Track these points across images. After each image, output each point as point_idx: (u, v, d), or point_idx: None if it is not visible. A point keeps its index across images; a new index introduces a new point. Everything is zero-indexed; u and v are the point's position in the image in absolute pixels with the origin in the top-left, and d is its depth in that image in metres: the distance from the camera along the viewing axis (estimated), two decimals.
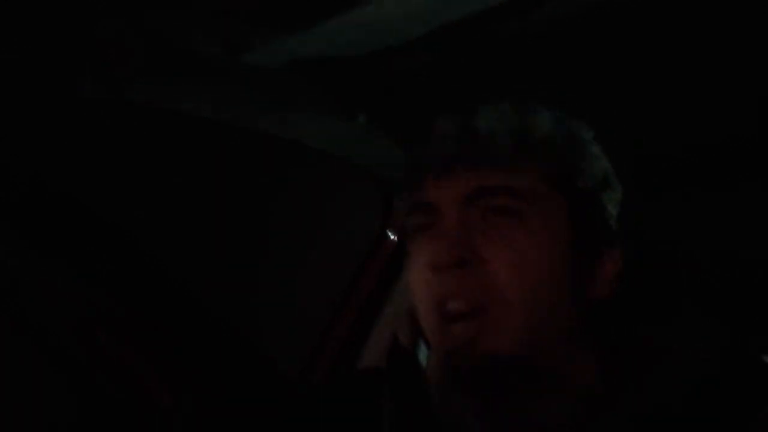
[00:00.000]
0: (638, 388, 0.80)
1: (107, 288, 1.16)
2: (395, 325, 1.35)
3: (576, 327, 0.82)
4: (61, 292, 1.14)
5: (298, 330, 1.35)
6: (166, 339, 1.18)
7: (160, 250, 1.23)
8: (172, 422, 1.13)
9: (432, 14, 1.02)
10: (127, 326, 1.16)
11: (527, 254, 0.79)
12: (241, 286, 1.31)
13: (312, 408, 0.91)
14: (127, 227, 1.20)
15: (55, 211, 1.15)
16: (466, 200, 0.81)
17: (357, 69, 1.14)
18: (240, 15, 1.04)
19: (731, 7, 0.99)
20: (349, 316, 1.38)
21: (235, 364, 1.25)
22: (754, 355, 0.87)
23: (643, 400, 0.80)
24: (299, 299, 1.35)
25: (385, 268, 1.39)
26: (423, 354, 1.29)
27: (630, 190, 0.89)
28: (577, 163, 0.83)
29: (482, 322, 0.78)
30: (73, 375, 1.12)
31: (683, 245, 1.32)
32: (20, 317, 1.12)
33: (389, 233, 1.40)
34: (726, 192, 1.33)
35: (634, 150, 1.20)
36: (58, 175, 1.15)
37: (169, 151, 1.22)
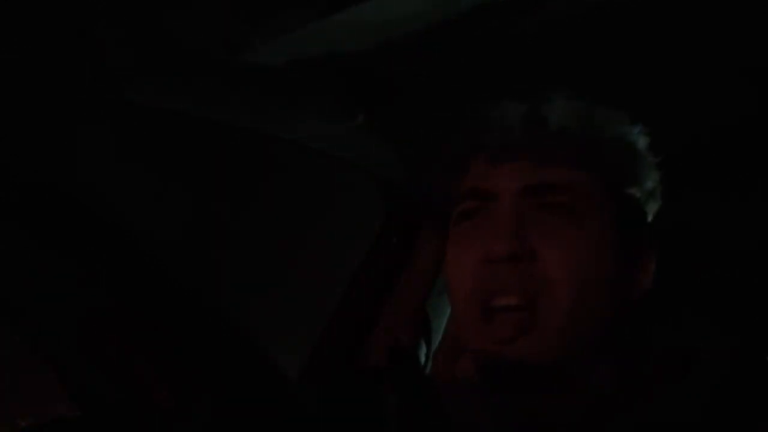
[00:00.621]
0: (652, 392, 0.80)
1: (107, 288, 1.16)
2: (396, 324, 1.35)
3: (607, 330, 0.81)
4: (60, 292, 1.14)
5: (298, 330, 1.35)
6: (166, 339, 1.18)
7: (159, 249, 1.22)
8: (172, 422, 1.13)
9: (432, 12, 1.02)
10: (127, 326, 1.16)
11: (579, 254, 0.78)
12: (241, 286, 1.31)
13: (312, 408, 0.91)
14: (126, 227, 1.20)
15: (55, 210, 1.15)
16: (524, 191, 0.79)
17: (356, 68, 1.14)
18: (240, 15, 1.04)
19: (732, 6, 0.99)
20: (350, 316, 1.37)
21: (235, 363, 1.25)
22: (765, 359, 0.87)
23: (657, 404, 0.79)
24: (299, 299, 1.35)
25: (386, 268, 1.39)
26: (423, 354, 1.29)
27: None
28: (635, 172, 0.83)
29: (529, 320, 0.76)
30: (73, 375, 1.12)
31: (691, 247, 1.32)
32: (20, 317, 1.12)
33: (389, 233, 1.39)
34: (733, 192, 1.33)
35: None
36: (58, 175, 1.15)
37: (169, 151, 1.22)
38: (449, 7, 1.01)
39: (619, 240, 0.81)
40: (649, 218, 0.86)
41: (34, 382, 1.12)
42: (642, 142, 0.85)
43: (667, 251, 0.87)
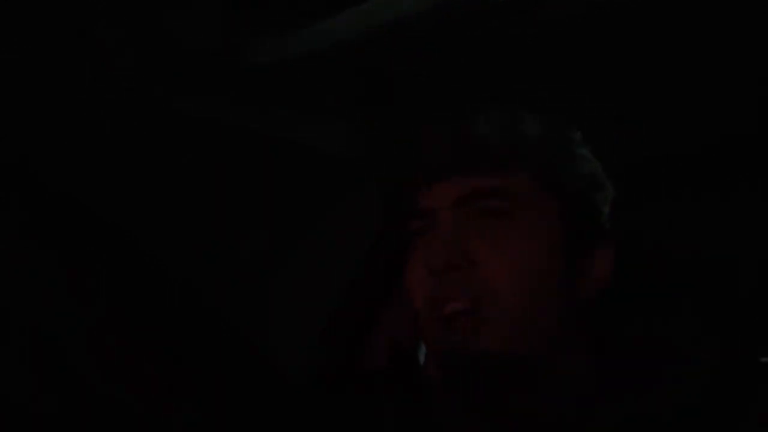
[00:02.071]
0: (633, 387, 0.81)
1: (107, 287, 1.16)
2: (396, 324, 1.35)
3: (568, 325, 0.83)
4: (60, 292, 1.14)
5: (298, 330, 1.35)
6: (166, 339, 1.18)
7: (160, 250, 1.23)
8: (173, 422, 1.13)
9: (432, 12, 1.02)
10: (127, 326, 1.16)
11: (519, 254, 0.82)
12: (240, 286, 1.31)
13: (312, 408, 0.91)
14: (128, 228, 1.20)
15: (56, 210, 1.15)
16: (459, 202, 0.83)
17: (356, 68, 1.14)
18: (240, 15, 1.04)
19: (731, 7, 0.99)
20: (350, 316, 1.38)
21: (235, 363, 1.25)
22: (750, 355, 0.87)
23: (638, 399, 0.80)
24: (299, 298, 1.36)
25: (386, 269, 1.39)
26: (423, 354, 1.29)
27: (628, 191, 0.89)
28: (565, 164, 0.86)
29: (477, 321, 0.80)
30: (73, 375, 1.12)
31: (681, 245, 1.32)
32: (19, 317, 1.12)
33: (389, 233, 1.39)
34: (724, 192, 1.33)
35: (632, 150, 1.21)
36: (59, 175, 1.15)
37: (171, 152, 1.22)
38: (449, 7, 1.01)
39: (562, 235, 0.84)
40: (602, 206, 0.88)
41: (34, 382, 1.13)
42: (569, 134, 0.88)
43: (654, 249, 0.88)
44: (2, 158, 1.10)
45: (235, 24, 1.05)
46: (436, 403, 0.86)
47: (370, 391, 0.88)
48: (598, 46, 1.09)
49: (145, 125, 1.17)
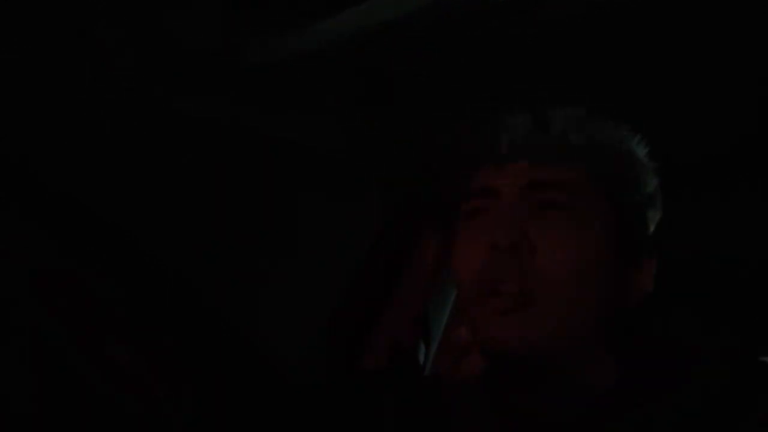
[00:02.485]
0: (649, 388, 0.81)
1: (107, 287, 1.16)
2: (396, 324, 1.35)
3: (602, 329, 0.84)
4: (60, 292, 1.14)
5: (298, 330, 1.35)
6: (167, 339, 1.18)
7: (160, 249, 1.22)
8: (173, 422, 1.13)
9: (433, 13, 1.02)
10: (127, 326, 1.16)
11: (576, 251, 0.82)
12: (241, 286, 1.31)
13: (312, 408, 0.91)
14: (127, 227, 1.20)
15: (55, 210, 1.15)
16: (525, 189, 0.84)
17: (357, 68, 1.14)
18: (240, 16, 1.04)
19: (734, 8, 0.99)
20: (350, 316, 1.38)
21: (236, 364, 1.25)
22: (757, 357, 0.87)
23: (654, 401, 0.80)
24: (299, 298, 1.35)
25: (386, 268, 1.39)
26: (423, 354, 1.29)
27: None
28: (634, 176, 0.87)
29: (526, 305, 0.80)
30: (73, 376, 1.12)
31: (684, 246, 1.32)
32: (18, 318, 1.12)
33: (389, 233, 1.39)
34: (727, 194, 1.33)
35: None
36: (59, 174, 1.15)
37: (170, 151, 1.22)
38: (449, 7, 1.01)
39: (616, 243, 0.85)
40: (651, 226, 0.89)
41: (33, 383, 1.12)
42: (639, 150, 0.89)
43: (665, 253, 0.88)
44: (2, 158, 1.10)
45: (234, 24, 1.05)
46: (441, 400, 0.85)
47: (371, 391, 0.88)
48: (598, 46, 1.09)
49: (144, 125, 1.17)
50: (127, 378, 1.13)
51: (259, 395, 1.18)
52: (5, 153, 1.12)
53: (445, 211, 0.91)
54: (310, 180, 1.33)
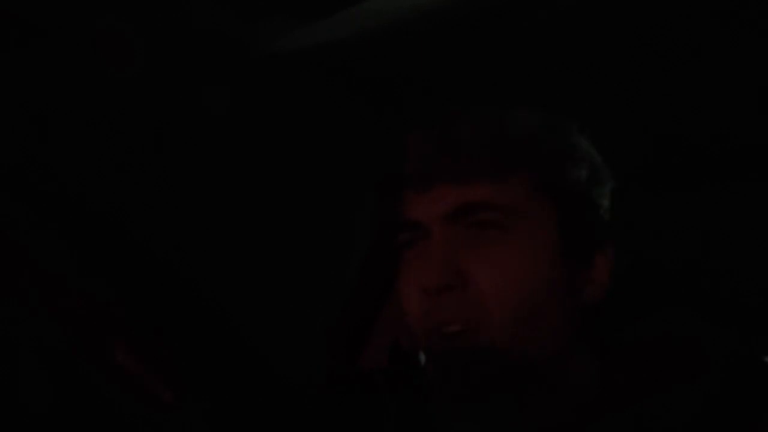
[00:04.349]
0: (636, 391, 0.80)
1: (108, 287, 1.16)
2: (396, 325, 1.35)
3: (574, 330, 0.81)
4: (60, 292, 1.14)
5: (297, 329, 1.35)
6: (168, 339, 1.18)
7: (161, 248, 1.22)
8: (174, 423, 1.12)
9: (434, 11, 1.02)
10: (128, 326, 1.16)
11: (514, 270, 0.78)
12: (240, 285, 1.31)
13: (312, 408, 0.91)
14: (127, 225, 1.20)
15: (61, 208, 1.15)
16: (450, 217, 0.79)
17: (358, 68, 1.14)
18: (242, 14, 1.04)
19: (732, 7, 0.99)
20: (350, 316, 1.37)
21: (236, 364, 1.25)
22: (756, 357, 0.86)
23: (641, 403, 0.79)
24: (299, 298, 1.35)
25: (386, 269, 1.39)
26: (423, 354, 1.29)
27: (627, 191, 0.88)
28: (562, 164, 0.82)
29: (475, 340, 0.78)
30: (73, 376, 1.12)
31: (678, 245, 1.32)
32: (18, 317, 1.12)
33: (389, 233, 1.39)
34: (723, 191, 1.33)
35: (632, 150, 1.20)
36: (67, 171, 1.14)
37: (181, 144, 1.21)
38: (452, 6, 1.01)
39: (560, 240, 0.81)
40: (603, 201, 0.84)
41: (33, 383, 1.12)
42: (564, 131, 0.83)
43: (651, 248, 0.87)
44: (11, 157, 1.10)
45: (236, 23, 1.05)
46: (436, 403, 0.85)
47: (370, 391, 0.87)
48: (599, 46, 1.08)
49: (156, 117, 1.16)
50: (128, 378, 1.13)
51: (259, 396, 1.18)
52: (12, 152, 1.11)
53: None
54: (310, 179, 1.33)
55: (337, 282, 1.39)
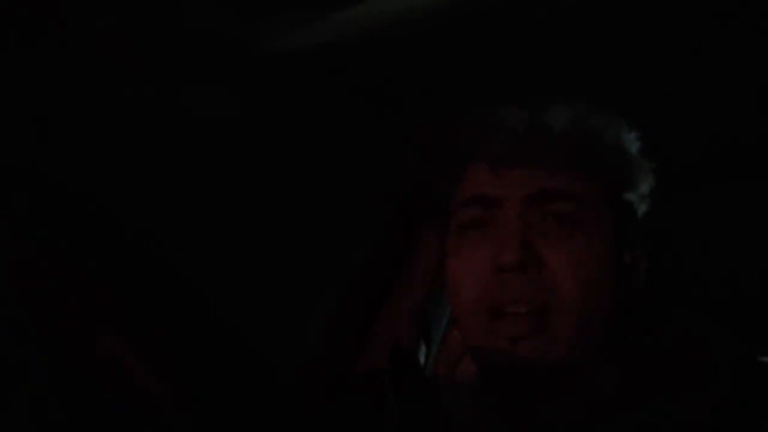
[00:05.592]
0: (654, 392, 0.80)
1: (105, 286, 1.16)
2: (396, 324, 1.35)
3: (609, 332, 0.82)
4: (58, 291, 1.14)
5: (297, 329, 1.35)
6: (167, 339, 1.18)
7: (161, 249, 1.22)
8: (171, 423, 1.12)
9: (435, 11, 1.02)
10: (125, 325, 1.16)
11: (584, 260, 0.79)
12: (239, 285, 1.31)
13: (312, 408, 0.91)
14: (127, 225, 1.20)
15: (58, 206, 1.14)
16: (531, 199, 0.79)
17: (359, 68, 1.14)
18: (242, 13, 1.04)
19: (733, 8, 0.99)
20: (350, 316, 1.37)
21: (234, 364, 1.25)
22: (758, 359, 0.87)
23: (656, 403, 0.79)
24: (299, 298, 1.35)
25: (386, 268, 1.39)
26: (423, 354, 1.29)
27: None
28: (632, 178, 0.84)
29: (540, 324, 0.77)
30: (71, 375, 1.12)
31: (681, 245, 1.32)
32: (20, 314, 1.12)
33: (389, 233, 1.39)
34: (723, 191, 1.33)
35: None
36: (62, 169, 1.14)
37: (177, 143, 1.21)
38: (452, 6, 1.01)
39: (616, 244, 0.83)
40: (641, 216, 0.87)
41: (33, 383, 1.12)
42: (636, 148, 0.86)
43: (665, 252, 0.88)
44: (11, 157, 1.10)
45: (237, 22, 1.05)
46: (441, 402, 0.85)
47: (370, 391, 0.87)
48: (599, 46, 1.08)
49: (152, 116, 1.16)
50: (126, 378, 1.13)
51: (258, 396, 1.18)
52: (12, 152, 1.12)
53: (438, 212, 0.87)
54: (309, 179, 1.33)
55: (337, 282, 1.39)
